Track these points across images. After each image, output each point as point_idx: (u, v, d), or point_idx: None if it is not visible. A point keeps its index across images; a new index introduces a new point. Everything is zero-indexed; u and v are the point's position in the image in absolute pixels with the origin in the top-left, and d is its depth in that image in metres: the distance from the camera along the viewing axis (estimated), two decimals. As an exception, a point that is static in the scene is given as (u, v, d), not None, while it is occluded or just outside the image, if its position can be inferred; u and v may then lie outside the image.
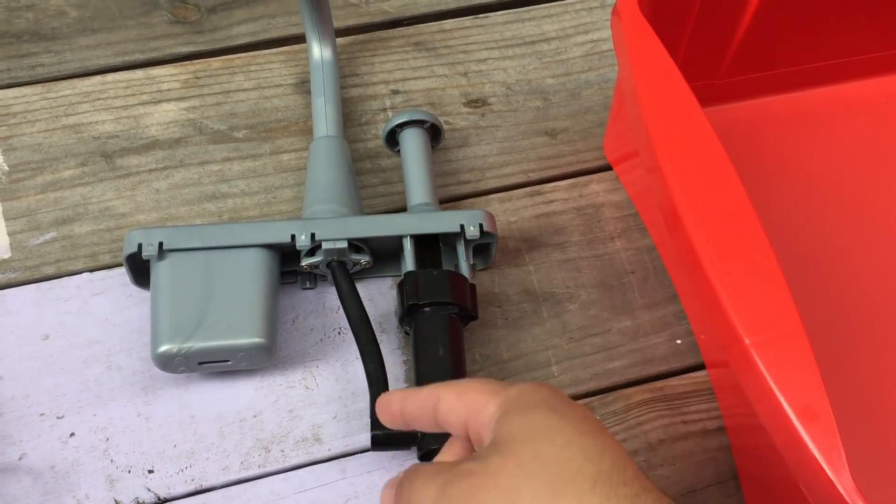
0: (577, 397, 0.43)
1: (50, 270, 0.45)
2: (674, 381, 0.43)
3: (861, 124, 0.52)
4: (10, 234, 0.46)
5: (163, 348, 0.39)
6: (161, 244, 0.41)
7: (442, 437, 0.37)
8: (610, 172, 0.50)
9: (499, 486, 0.27)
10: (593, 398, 0.43)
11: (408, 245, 0.42)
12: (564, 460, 0.27)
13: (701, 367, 0.44)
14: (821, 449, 0.30)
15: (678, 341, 0.44)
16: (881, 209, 0.49)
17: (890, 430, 0.43)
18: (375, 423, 0.38)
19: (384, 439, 0.38)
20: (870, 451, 0.41)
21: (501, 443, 0.28)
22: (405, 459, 0.40)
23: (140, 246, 0.40)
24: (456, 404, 0.31)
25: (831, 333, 0.44)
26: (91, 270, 0.45)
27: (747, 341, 0.32)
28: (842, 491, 0.29)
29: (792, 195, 0.49)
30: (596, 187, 0.49)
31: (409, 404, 0.33)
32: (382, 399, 0.34)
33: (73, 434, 0.40)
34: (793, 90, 0.53)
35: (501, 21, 0.56)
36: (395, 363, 0.43)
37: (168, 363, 0.39)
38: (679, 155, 0.37)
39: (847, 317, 0.45)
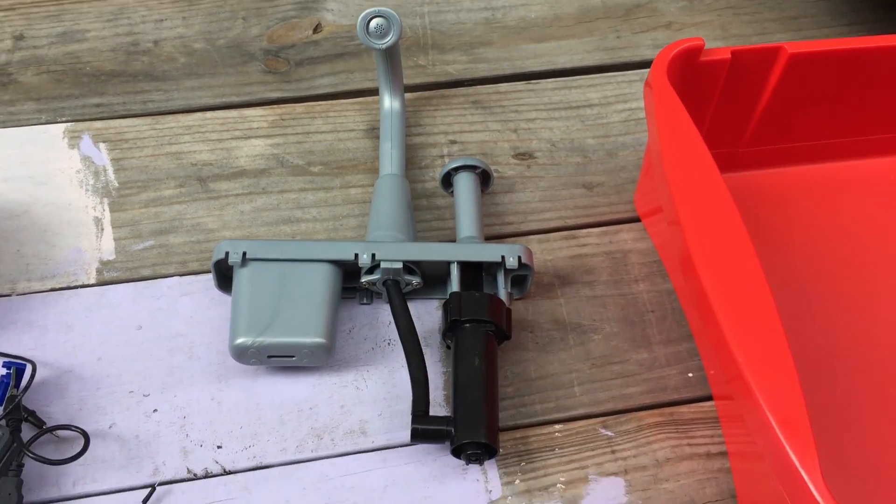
0: (595, 416, 0.48)
1: (147, 272, 0.52)
2: (683, 408, 0.48)
3: (873, 199, 0.57)
4: (115, 239, 0.53)
5: (240, 340, 0.45)
6: (244, 253, 0.47)
7: (473, 431, 0.43)
8: (639, 224, 0.56)
9: None
10: (609, 417, 0.48)
11: (454, 270, 0.49)
12: None
13: (709, 398, 0.49)
14: (796, 452, 0.35)
15: (690, 374, 0.50)
16: (885, 281, 0.53)
17: (873, 449, 0.47)
18: (416, 417, 0.43)
19: (423, 433, 0.43)
20: (848, 466, 0.45)
21: None
22: (439, 454, 0.46)
23: (227, 254, 0.47)
24: None
25: (823, 377, 0.49)
26: (181, 275, 0.52)
27: (745, 372, 0.37)
28: (812, 489, 0.34)
29: (800, 256, 0.53)
30: (625, 235, 0.55)
31: None
32: None
33: (156, 410, 0.47)
34: (810, 162, 0.58)
35: (551, 87, 0.63)
36: (435, 373, 0.49)
37: (242, 354, 0.46)
38: (696, 211, 0.42)
39: (847, 377, 0.49)
